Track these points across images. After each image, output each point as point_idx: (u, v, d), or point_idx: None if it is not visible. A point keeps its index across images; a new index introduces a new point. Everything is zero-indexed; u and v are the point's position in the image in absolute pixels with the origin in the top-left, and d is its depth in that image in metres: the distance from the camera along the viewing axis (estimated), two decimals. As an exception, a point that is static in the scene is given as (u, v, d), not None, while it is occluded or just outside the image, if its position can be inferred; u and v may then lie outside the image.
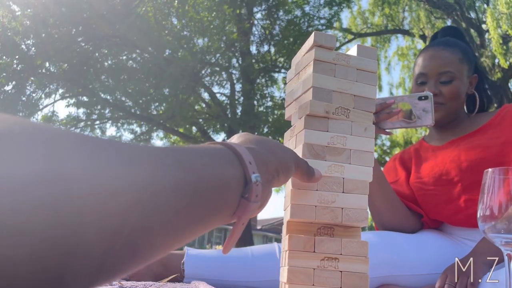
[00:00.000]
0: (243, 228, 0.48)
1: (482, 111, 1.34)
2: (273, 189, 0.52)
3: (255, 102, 8.67)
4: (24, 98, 7.31)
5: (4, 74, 6.73)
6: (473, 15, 7.38)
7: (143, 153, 0.33)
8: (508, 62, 6.37)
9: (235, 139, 0.54)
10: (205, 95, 9.00)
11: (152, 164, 0.33)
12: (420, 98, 1.11)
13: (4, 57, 6.74)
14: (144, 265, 0.34)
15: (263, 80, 8.74)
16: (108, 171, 0.28)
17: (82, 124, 8.87)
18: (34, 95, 7.58)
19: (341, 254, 0.61)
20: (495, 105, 6.79)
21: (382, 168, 1.33)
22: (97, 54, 7.52)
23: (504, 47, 6.06)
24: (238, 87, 8.81)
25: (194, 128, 9.33)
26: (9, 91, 6.99)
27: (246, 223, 0.47)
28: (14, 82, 6.99)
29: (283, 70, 8.71)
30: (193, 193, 0.36)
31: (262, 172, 0.47)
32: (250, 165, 0.45)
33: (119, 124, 9.15)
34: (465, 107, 1.37)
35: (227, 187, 0.42)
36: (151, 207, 0.31)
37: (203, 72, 8.22)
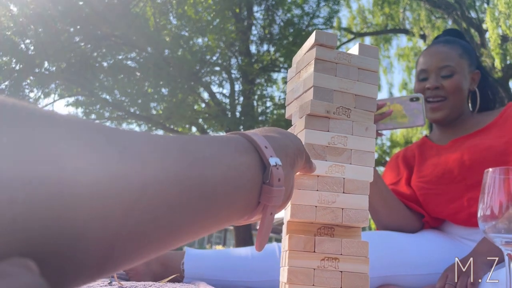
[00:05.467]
0: (272, 218, 0.45)
1: (488, 108, 1.34)
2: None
3: (255, 102, 8.66)
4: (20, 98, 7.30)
5: (1, 74, 6.71)
6: (473, 14, 7.38)
7: (143, 142, 0.31)
8: (508, 62, 6.36)
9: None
10: (205, 95, 8.99)
11: (155, 156, 0.30)
12: (411, 100, 1.14)
13: (3, 58, 6.73)
14: (141, 262, 0.33)
15: (263, 80, 8.73)
16: (106, 167, 0.27)
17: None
18: (32, 94, 7.57)
19: (341, 254, 0.61)
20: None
21: (382, 168, 1.32)
22: (95, 54, 7.51)
23: (502, 47, 6.05)
24: (237, 87, 8.80)
25: (193, 128, 9.31)
26: (5, 91, 6.97)
27: (275, 213, 0.44)
28: (11, 81, 6.97)
29: (282, 70, 8.70)
30: (197, 186, 0.33)
31: (282, 156, 0.44)
32: (266, 150, 0.42)
33: (118, 124, 9.14)
34: (470, 106, 1.36)
35: (242, 176, 0.39)
36: (149, 204, 0.29)
37: (202, 71, 8.20)
